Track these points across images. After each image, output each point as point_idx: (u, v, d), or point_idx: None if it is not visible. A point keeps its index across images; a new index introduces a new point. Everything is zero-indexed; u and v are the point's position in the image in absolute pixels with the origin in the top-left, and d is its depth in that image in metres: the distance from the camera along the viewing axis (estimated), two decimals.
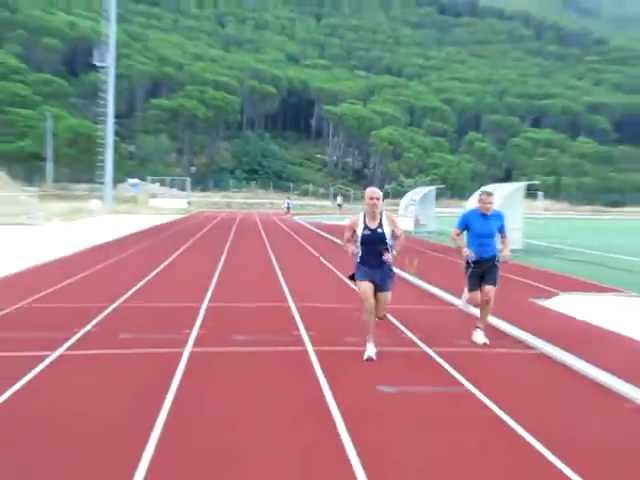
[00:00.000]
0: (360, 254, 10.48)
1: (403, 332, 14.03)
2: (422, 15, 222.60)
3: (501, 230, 12.01)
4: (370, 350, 10.57)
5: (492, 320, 14.54)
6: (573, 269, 26.88)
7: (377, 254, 10.32)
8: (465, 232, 12.10)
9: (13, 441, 7.60)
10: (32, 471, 6.91)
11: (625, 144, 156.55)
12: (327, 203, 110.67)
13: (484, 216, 11.87)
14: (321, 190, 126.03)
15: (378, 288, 10.56)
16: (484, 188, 34.80)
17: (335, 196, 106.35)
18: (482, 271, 12.01)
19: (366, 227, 10.34)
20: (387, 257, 10.31)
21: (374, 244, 10.31)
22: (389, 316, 14.97)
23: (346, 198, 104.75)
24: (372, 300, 10.43)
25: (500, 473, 6.98)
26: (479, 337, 11.92)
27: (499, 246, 12.17)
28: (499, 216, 12.11)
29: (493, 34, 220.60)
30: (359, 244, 10.43)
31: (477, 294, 12.04)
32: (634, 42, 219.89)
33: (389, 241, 10.33)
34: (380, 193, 10.61)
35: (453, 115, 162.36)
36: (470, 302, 12.59)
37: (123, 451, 7.31)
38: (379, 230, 10.34)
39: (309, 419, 8.48)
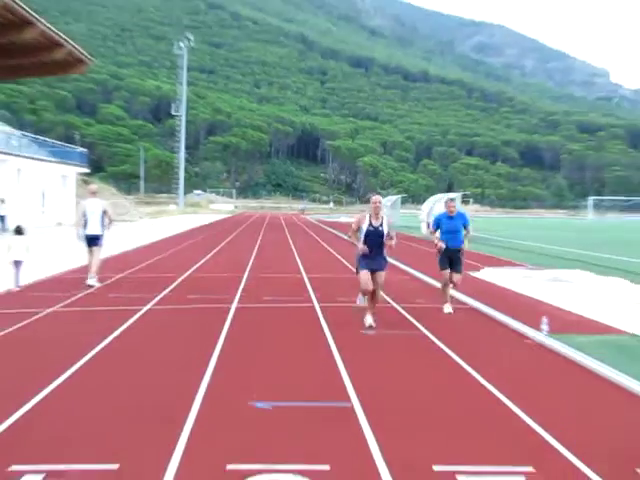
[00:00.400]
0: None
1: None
2: (391, 80, 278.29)
3: (465, 226, 13.76)
4: (369, 320, 11.60)
5: (438, 284, 16.27)
6: (493, 251, 31.52)
7: (376, 245, 11.47)
8: (438, 230, 13.63)
9: (133, 353, 9.60)
10: (151, 365, 8.98)
11: (526, 167, 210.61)
12: (327, 206, 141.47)
13: (450, 217, 13.58)
14: (324, 198, 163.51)
15: (375, 270, 11.59)
16: (437, 196, 45.93)
17: (330, 202, 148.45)
18: (449, 257, 13.60)
19: (370, 224, 11.43)
20: (390, 243, 11.55)
21: (375, 238, 11.45)
22: None
23: (338, 203, 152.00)
24: (371, 285, 11.45)
25: (438, 381, 8.36)
26: (447, 308, 13.40)
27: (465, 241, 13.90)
28: (462, 216, 13.93)
29: (439, 94, 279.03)
30: (363, 237, 11.47)
31: (446, 272, 13.59)
32: (532, 100, 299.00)
33: (385, 237, 11.50)
34: (382, 199, 12.05)
35: (413, 147, 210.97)
36: (442, 280, 14.01)
37: (201, 353, 9.37)
38: (380, 228, 11.47)
39: (315, 345, 10.27)
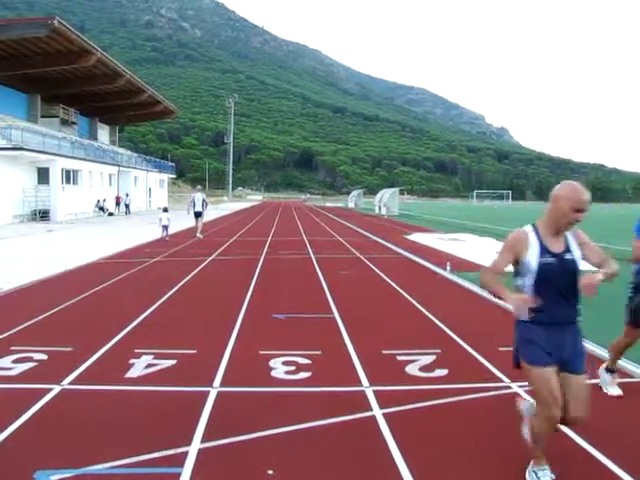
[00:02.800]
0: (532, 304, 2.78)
1: (350, 249, 15.60)
2: (357, 120, 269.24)
3: None
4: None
5: (387, 244, 16.88)
6: (418, 222, 31.52)
7: (566, 299, 2.86)
8: None
9: (209, 278, 10.37)
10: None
11: (437, 173, 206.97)
12: (319, 197, 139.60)
13: None
14: (317, 192, 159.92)
15: (566, 367, 2.91)
16: (384, 190, 44.37)
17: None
18: None
19: (546, 251, 2.84)
20: (592, 282, 2.75)
21: (561, 281, 2.82)
22: (345, 243, 17.61)
23: (323, 195, 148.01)
24: (560, 400, 2.82)
25: (383, 301, 8.38)
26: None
27: None
28: None
29: (385, 128, 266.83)
30: (531, 283, 2.86)
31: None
32: (439, 133, 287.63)
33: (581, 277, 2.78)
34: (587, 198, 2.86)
35: (370, 160, 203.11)
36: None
37: (243, 283, 9.59)
38: (567, 256, 2.86)
39: (311, 280, 10.15)
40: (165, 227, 18.20)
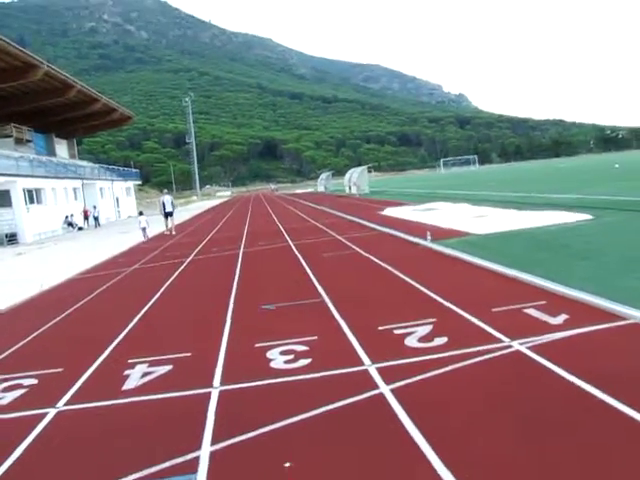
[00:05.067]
0: None
1: (327, 232, 15.60)
2: (316, 104, 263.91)
3: None
4: None
5: (364, 222, 16.49)
6: (390, 197, 31.34)
7: None
8: None
9: (191, 279, 10.17)
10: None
11: (402, 146, 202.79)
12: (288, 184, 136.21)
13: None
14: (285, 180, 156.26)
15: None
16: (352, 170, 43.59)
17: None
18: None
19: None
20: None
21: None
22: (322, 226, 17.37)
23: (292, 182, 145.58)
24: None
25: (370, 278, 8.34)
26: None
27: None
28: None
29: (345, 109, 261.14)
30: None
31: None
32: (399, 107, 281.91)
33: None
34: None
35: (334, 142, 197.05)
36: None
37: (227, 279, 9.47)
38: None
39: (293, 265, 10.21)
40: (144, 229, 20.52)
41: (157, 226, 23.49)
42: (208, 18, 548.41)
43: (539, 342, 4.41)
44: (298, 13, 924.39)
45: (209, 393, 4.16)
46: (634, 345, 4.21)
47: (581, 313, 5.09)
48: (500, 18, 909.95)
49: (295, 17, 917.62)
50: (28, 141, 39.47)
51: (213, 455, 3.17)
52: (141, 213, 22.19)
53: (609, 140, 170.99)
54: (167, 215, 21.71)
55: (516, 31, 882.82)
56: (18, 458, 3.43)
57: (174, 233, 21.23)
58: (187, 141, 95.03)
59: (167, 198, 22.12)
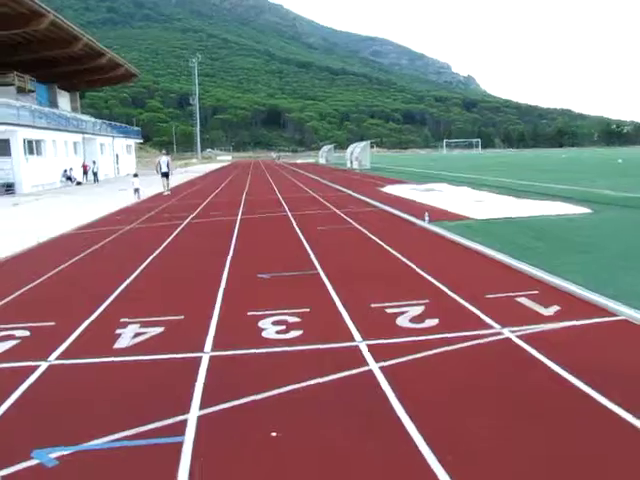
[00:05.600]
0: None
1: (326, 205, 15.60)
2: (323, 75, 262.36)
3: None
4: None
5: (363, 197, 16.60)
6: (391, 175, 31.10)
7: None
8: None
9: (187, 242, 10.14)
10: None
11: (406, 124, 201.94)
12: (289, 154, 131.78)
13: None
14: (287, 149, 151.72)
15: None
16: (354, 144, 43.91)
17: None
18: None
19: None
20: None
21: None
22: (321, 199, 17.38)
23: (293, 151, 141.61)
24: None
25: (366, 254, 8.39)
26: None
27: None
28: None
29: (351, 82, 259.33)
30: None
31: None
32: (406, 84, 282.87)
33: None
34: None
35: (338, 115, 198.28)
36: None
37: (224, 244, 9.47)
38: None
39: (291, 238, 9.96)
40: (136, 190, 20.74)
41: (156, 188, 23.43)
42: None
43: (529, 331, 4.45)
44: None
45: (200, 358, 4.18)
46: (621, 341, 4.26)
47: (573, 306, 5.13)
48: (514, 4, 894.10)
49: None
50: (30, 91, 38.84)
51: (200, 419, 3.20)
52: (135, 175, 22.32)
53: (614, 134, 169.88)
54: (164, 175, 22.30)
55: (530, 18, 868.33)
56: (9, 408, 3.46)
57: (169, 192, 21.97)
58: (191, 102, 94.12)
59: (164, 159, 22.72)
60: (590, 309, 5.00)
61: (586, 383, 3.46)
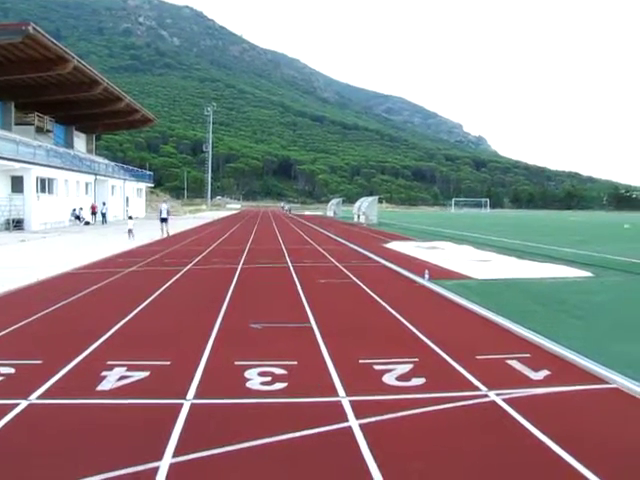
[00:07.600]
0: None
1: (328, 258, 15.64)
2: (335, 129, 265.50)
3: None
4: None
5: (366, 252, 16.83)
6: (397, 231, 31.28)
7: None
8: None
9: (185, 288, 10.21)
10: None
11: (416, 181, 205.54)
12: (298, 205, 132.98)
13: None
14: (296, 200, 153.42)
15: None
16: (363, 198, 43.62)
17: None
18: None
19: None
20: None
21: None
22: (324, 251, 17.36)
23: (302, 203, 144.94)
24: None
25: (361, 310, 8.30)
26: None
27: None
28: None
29: (364, 137, 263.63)
30: None
31: None
32: (418, 141, 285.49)
33: None
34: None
35: (348, 169, 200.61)
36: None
37: (221, 292, 9.39)
38: None
39: (289, 289, 9.92)
40: (130, 230, 22.65)
41: (158, 233, 23.77)
42: (240, 32, 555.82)
43: (516, 395, 4.40)
44: (327, 37, 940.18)
45: (181, 405, 4.16)
46: (611, 410, 4.19)
47: (563, 371, 5.07)
48: (526, 69, 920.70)
49: (324, 41, 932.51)
50: (49, 131, 40.04)
51: (172, 467, 3.16)
52: (130, 217, 25.38)
53: (623, 199, 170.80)
54: (162, 220, 24.76)
55: (540, 83, 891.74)
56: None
57: (169, 235, 24.00)
58: (204, 150, 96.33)
59: (164, 206, 25.69)
60: (581, 375, 4.94)
61: (570, 454, 3.38)
